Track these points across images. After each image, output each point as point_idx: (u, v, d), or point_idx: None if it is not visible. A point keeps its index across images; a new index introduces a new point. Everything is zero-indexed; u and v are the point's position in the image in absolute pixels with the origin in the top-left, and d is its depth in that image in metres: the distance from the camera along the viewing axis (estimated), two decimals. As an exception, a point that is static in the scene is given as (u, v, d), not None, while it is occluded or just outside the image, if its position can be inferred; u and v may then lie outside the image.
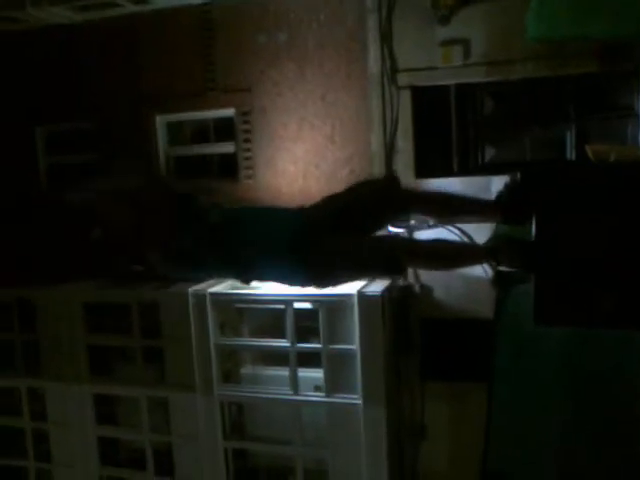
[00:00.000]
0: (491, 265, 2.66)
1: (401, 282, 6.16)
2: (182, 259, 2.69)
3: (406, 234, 5.91)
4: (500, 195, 2.67)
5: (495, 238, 2.96)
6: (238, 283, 4.59)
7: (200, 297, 6.36)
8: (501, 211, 2.65)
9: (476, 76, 5.97)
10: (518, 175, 2.62)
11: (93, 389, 6.96)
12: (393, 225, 5.69)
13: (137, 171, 3.07)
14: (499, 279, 2.60)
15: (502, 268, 2.70)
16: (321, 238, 2.63)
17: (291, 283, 2.86)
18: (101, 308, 6.94)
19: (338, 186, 2.90)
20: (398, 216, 2.86)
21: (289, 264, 2.62)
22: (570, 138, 5.92)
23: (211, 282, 6.57)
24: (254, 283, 5.02)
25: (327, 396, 6.05)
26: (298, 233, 2.60)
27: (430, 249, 2.77)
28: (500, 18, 5.73)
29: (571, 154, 5.86)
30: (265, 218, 2.76)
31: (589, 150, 4.97)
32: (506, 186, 2.66)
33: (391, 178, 2.82)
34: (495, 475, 4.15)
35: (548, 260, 2.36)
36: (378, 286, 5.96)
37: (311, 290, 5.94)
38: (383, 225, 2.83)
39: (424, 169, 6.07)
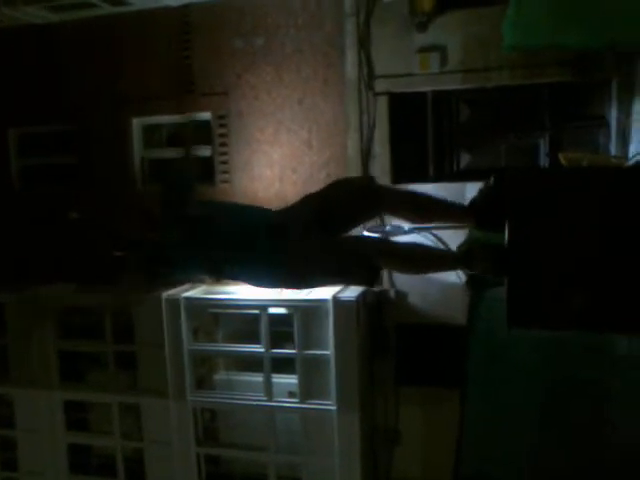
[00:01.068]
0: (464, 270, 2.66)
1: (376, 288, 6.16)
2: (158, 251, 2.66)
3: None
4: (474, 200, 2.68)
5: (468, 243, 2.97)
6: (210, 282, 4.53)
7: (174, 302, 6.30)
8: (474, 215, 2.66)
9: (453, 83, 6.02)
10: (492, 180, 2.64)
11: (64, 395, 6.85)
12: (368, 226, 5.70)
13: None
14: (472, 283, 2.60)
15: (475, 273, 2.70)
16: (298, 239, 2.61)
17: (263, 283, 2.82)
18: (73, 313, 6.83)
19: (315, 190, 2.89)
20: (373, 215, 2.85)
21: (263, 264, 2.60)
22: (544, 146, 5.99)
23: (185, 287, 6.52)
24: (229, 284, 4.97)
25: (301, 402, 6.02)
26: (275, 233, 2.59)
27: (405, 251, 2.77)
28: (477, 26, 5.79)
29: (545, 161, 5.93)
30: (242, 215, 2.74)
31: (562, 157, 5.03)
32: (480, 191, 2.68)
33: (367, 177, 2.82)
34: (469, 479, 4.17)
35: (520, 263, 2.37)
36: (353, 291, 5.96)
37: (286, 295, 5.98)
38: (359, 224, 2.82)
39: (400, 174, 6.09)
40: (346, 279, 2.90)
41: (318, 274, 2.70)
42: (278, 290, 6.00)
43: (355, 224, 2.78)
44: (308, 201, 2.72)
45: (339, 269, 2.68)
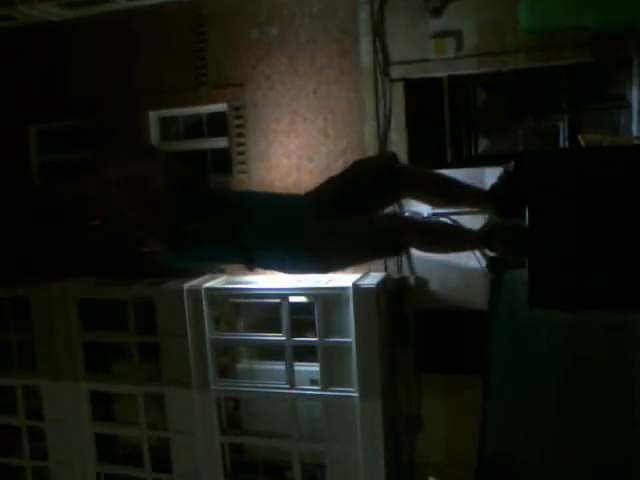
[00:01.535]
0: (484, 252, 2.65)
1: (396, 274, 6.17)
2: (186, 240, 2.67)
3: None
4: (494, 186, 2.67)
5: (489, 225, 2.96)
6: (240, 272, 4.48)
7: (195, 293, 6.36)
8: (494, 202, 2.64)
9: (469, 68, 5.98)
10: (511, 165, 2.62)
11: (89, 386, 6.96)
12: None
13: (139, 154, 2.99)
14: (492, 265, 2.60)
15: (495, 254, 2.69)
16: (325, 221, 2.62)
17: (295, 269, 2.84)
18: (97, 305, 6.93)
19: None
20: (396, 194, 2.83)
21: (294, 250, 2.61)
22: (563, 128, 5.93)
23: (206, 277, 6.57)
24: (252, 274, 4.97)
25: (323, 389, 6.05)
26: (302, 218, 2.60)
27: (430, 228, 2.78)
28: (492, 10, 5.73)
29: (564, 144, 5.87)
30: (269, 204, 2.75)
31: (582, 140, 4.98)
32: (500, 177, 2.66)
33: (390, 157, 2.79)
34: (492, 465, 4.17)
35: (541, 244, 2.37)
36: (373, 278, 5.97)
37: (306, 283, 6.00)
38: (383, 204, 2.81)
39: (418, 161, 6.06)
40: (372, 253, 2.83)
41: (347, 254, 2.67)
42: (300, 277, 6.04)
43: (379, 204, 2.77)
44: (331, 183, 2.72)
45: (366, 241, 2.62)
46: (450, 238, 2.70)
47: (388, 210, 2.91)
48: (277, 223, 2.63)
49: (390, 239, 2.58)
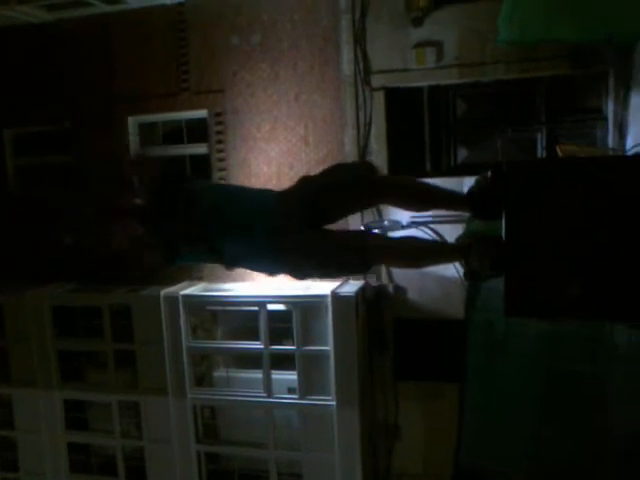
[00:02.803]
0: (461, 264, 2.65)
1: (375, 283, 6.16)
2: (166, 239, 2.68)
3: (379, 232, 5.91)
4: (472, 189, 2.67)
5: (467, 235, 2.96)
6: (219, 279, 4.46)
7: (172, 300, 6.29)
8: (471, 205, 2.65)
9: (449, 78, 6.02)
10: (489, 173, 2.63)
11: (63, 395, 6.84)
12: (365, 221, 5.70)
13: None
14: (469, 274, 2.60)
15: (471, 269, 2.69)
16: (295, 230, 2.61)
17: (263, 268, 2.82)
18: (72, 312, 6.83)
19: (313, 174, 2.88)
20: (370, 202, 2.83)
21: (263, 248, 2.61)
22: (541, 139, 5.98)
23: (184, 284, 6.52)
24: (228, 280, 4.94)
25: (301, 398, 6.01)
26: (274, 218, 2.58)
27: (400, 246, 2.76)
28: (472, 21, 5.78)
29: (542, 155, 5.92)
30: (243, 200, 2.73)
31: (559, 151, 5.03)
32: (477, 181, 2.67)
33: (366, 164, 2.82)
34: (467, 473, 4.16)
35: (518, 253, 2.37)
36: (352, 286, 5.96)
37: (285, 291, 5.97)
38: (356, 210, 2.81)
39: (397, 169, 6.07)
40: (339, 272, 2.88)
41: (311, 266, 2.70)
42: (278, 285, 6.01)
43: (352, 210, 2.78)
44: (306, 185, 2.70)
45: (333, 264, 2.71)
46: (422, 254, 2.71)
47: (364, 225, 2.95)
48: (243, 220, 2.62)
49: (357, 258, 2.61)
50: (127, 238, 2.77)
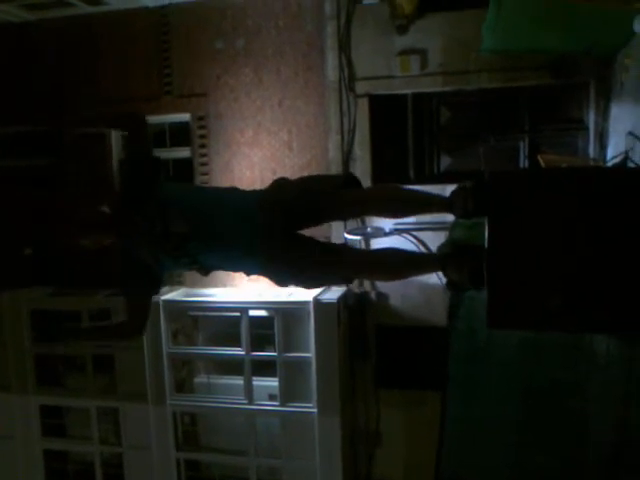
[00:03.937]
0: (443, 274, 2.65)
1: (357, 289, 6.16)
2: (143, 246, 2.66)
3: (362, 242, 5.91)
4: (451, 196, 2.66)
5: (447, 245, 2.95)
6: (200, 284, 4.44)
7: (153, 305, 6.21)
8: (453, 208, 2.64)
9: (433, 86, 6.04)
10: (468, 183, 2.62)
11: (40, 400, 6.73)
12: (349, 228, 5.69)
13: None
14: (452, 285, 2.60)
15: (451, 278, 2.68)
16: (277, 240, 2.60)
17: (238, 269, 2.81)
18: (49, 316, 6.72)
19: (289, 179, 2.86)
20: (335, 217, 2.85)
21: (237, 251, 2.60)
22: (523, 148, 6.03)
23: (164, 289, 6.45)
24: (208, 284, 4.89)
25: (282, 405, 5.98)
26: (255, 227, 2.56)
27: (380, 260, 2.75)
28: (457, 29, 5.82)
29: (524, 164, 5.97)
30: (216, 200, 2.70)
31: (541, 160, 5.07)
32: (458, 186, 2.65)
33: (349, 175, 2.83)
34: (449, 482, 4.17)
35: (499, 265, 2.37)
36: (334, 293, 5.95)
37: (267, 297, 5.94)
38: (327, 221, 2.80)
39: (381, 176, 6.09)
40: (320, 286, 2.92)
41: (293, 281, 2.72)
42: (260, 290, 5.99)
43: (323, 221, 2.77)
44: (281, 190, 2.68)
45: (315, 282, 2.79)
46: (403, 267, 2.71)
47: (347, 232, 2.96)
48: (216, 223, 2.61)
49: (338, 277, 2.64)
50: (95, 248, 2.76)
